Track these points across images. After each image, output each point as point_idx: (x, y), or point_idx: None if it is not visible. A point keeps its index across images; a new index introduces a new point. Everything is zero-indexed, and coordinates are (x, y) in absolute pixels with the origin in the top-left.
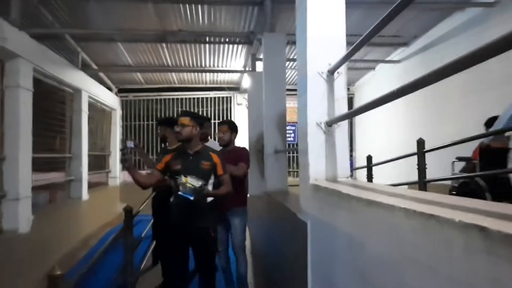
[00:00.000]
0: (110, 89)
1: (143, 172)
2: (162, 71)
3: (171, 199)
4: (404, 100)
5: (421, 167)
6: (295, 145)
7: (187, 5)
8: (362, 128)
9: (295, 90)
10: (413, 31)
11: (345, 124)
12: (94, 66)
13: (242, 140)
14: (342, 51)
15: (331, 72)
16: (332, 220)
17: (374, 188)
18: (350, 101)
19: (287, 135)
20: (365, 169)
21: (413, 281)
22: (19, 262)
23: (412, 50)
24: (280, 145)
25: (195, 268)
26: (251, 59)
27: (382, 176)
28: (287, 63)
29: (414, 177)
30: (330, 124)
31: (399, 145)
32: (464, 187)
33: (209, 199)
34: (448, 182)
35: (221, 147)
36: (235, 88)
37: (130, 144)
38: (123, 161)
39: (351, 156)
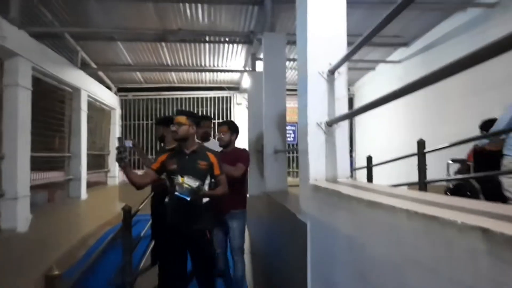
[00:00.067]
0: (109, 88)
1: (139, 172)
2: (161, 70)
3: (166, 199)
4: (404, 101)
5: (422, 168)
6: (295, 145)
7: (187, 4)
8: (362, 129)
9: (295, 90)
10: (413, 32)
11: (345, 124)
12: (94, 65)
13: (241, 140)
14: (343, 50)
15: (332, 71)
16: (332, 220)
17: (375, 189)
18: (350, 101)
19: (287, 135)
20: (365, 169)
21: (414, 283)
22: (17, 262)
23: (412, 50)
24: (279, 145)
25: (193, 272)
26: (251, 59)
27: (382, 176)
28: (287, 63)
29: (414, 177)
30: (330, 124)
31: (399, 145)
32: (458, 189)
33: (205, 199)
34: (444, 183)
35: (221, 148)
36: (235, 88)
37: (129, 143)
38: (119, 160)
39: (351, 156)
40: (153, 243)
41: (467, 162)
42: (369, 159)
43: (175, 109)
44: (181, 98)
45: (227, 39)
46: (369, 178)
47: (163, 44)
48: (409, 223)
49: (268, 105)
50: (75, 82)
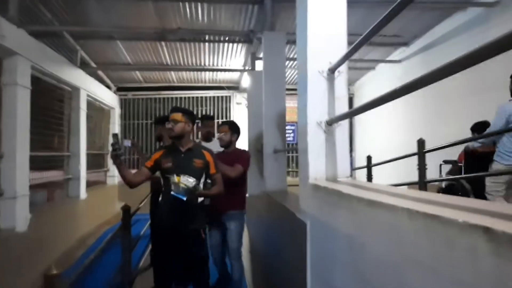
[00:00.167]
0: (109, 87)
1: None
2: (161, 69)
3: (160, 199)
4: (404, 101)
5: (422, 167)
6: (294, 144)
7: (187, 3)
8: (362, 128)
9: (295, 89)
10: (413, 31)
11: (345, 123)
12: (93, 64)
13: (241, 140)
14: (343, 50)
15: (332, 71)
16: (332, 220)
17: (375, 188)
18: (350, 101)
19: (287, 135)
20: (365, 169)
21: (415, 283)
22: (16, 261)
23: (412, 50)
24: (279, 145)
25: (187, 273)
26: (250, 58)
27: (382, 176)
28: (287, 62)
29: (413, 177)
30: (330, 123)
31: (399, 145)
32: (450, 189)
33: (200, 198)
34: (436, 183)
35: (222, 148)
36: (235, 87)
37: (128, 143)
38: (114, 156)
39: (350, 156)
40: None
41: (458, 163)
42: (369, 158)
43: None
44: (181, 98)
45: (226, 38)
46: (369, 177)
47: (163, 43)
48: (410, 222)
49: (268, 105)
50: (75, 81)
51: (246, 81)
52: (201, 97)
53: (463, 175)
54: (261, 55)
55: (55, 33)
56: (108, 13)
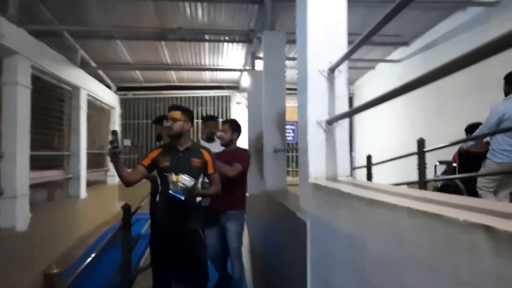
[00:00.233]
0: (109, 87)
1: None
2: (161, 69)
3: (157, 199)
4: (403, 101)
5: (421, 167)
6: (294, 144)
7: (187, 3)
8: (362, 128)
9: (295, 89)
10: (413, 31)
11: (345, 122)
12: (93, 64)
13: (241, 139)
14: (343, 49)
15: (332, 70)
16: (332, 219)
17: (375, 187)
18: (350, 100)
19: (287, 134)
20: (365, 168)
21: (415, 282)
22: (16, 260)
23: (412, 49)
24: (279, 144)
25: (186, 274)
26: (250, 58)
27: (382, 175)
28: (287, 61)
29: (412, 177)
30: (330, 122)
31: (398, 145)
32: (444, 189)
33: (198, 198)
34: (432, 183)
35: (223, 147)
36: (235, 87)
37: (128, 143)
38: (112, 154)
39: (350, 155)
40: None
41: (453, 163)
42: (369, 158)
43: None
44: (181, 97)
45: (226, 38)
46: (369, 177)
47: (163, 42)
48: (410, 221)
49: (268, 104)
50: (75, 80)
51: (246, 80)
52: (201, 97)
53: (463, 175)
54: (261, 55)
55: (55, 32)
56: (108, 13)
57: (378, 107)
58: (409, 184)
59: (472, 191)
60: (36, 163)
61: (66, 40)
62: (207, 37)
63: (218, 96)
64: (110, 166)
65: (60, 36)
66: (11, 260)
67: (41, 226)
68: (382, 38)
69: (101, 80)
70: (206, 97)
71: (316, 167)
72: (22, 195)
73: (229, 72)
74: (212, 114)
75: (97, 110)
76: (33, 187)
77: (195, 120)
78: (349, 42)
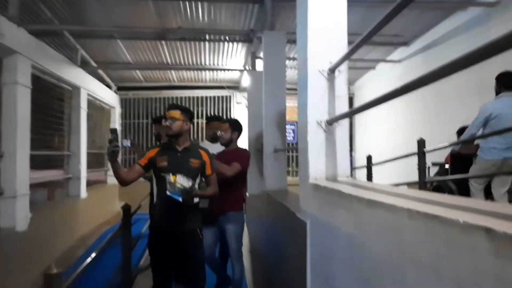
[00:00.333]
0: (109, 86)
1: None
2: (161, 69)
3: (155, 200)
4: (403, 101)
5: (422, 167)
6: (294, 144)
7: (187, 2)
8: (362, 128)
9: (295, 89)
10: (413, 31)
11: (345, 123)
12: (93, 64)
13: (241, 139)
14: (344, 49)
15: (332, 70)
16: (332, 220)
17: (375, 188)
18: (350, 100)
19: (287, 134)
20: (365, 168)
21: (416, 283)
22: (16, 260)
23: (412, 49)
24: (279, 144)
25: (184, 275)
26: (251, 58)
27: (382, 175)
28: (287, 61)
29: (413, 177)
30: (330, 122)
31: (398, 145)
32: (437, 190)
33: (196, 199)
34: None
35: (223, 147)
36: (235, 86)
37: (127, 143)
38: (112, 153)
39: (350, 155)
40: None
41: (445, 165)
42: (369, 158)
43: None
44: (181, 97)
45: (227, 38)
46: (369, 177)
47: (163, 42)
48: (410, 223)
49: (268, 104)
50: (75, 80)
51: (246, 80)
52: (202, 97)
53: (457, 176)
54: (261, 55)
55: (55, 32)
56: (108, 12)
57: (378, 107)
58: (409, 184)
59: (463, 192)
60: (36, 163)
61: (66, 39)
62: (207, 37)
63: (218, 96)
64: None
65: (60, 35)
66: (11, 260)
67: (41, 226)
68: (382, 38)
69: (101, 80)
70: (206, 97)
71: (316, 167)
72: (22, 195)
73: (229, 72)
74: (215, 114)
75: (97, 110)
76: (33, 187)
77: (195, 120)
78: (349, 42)
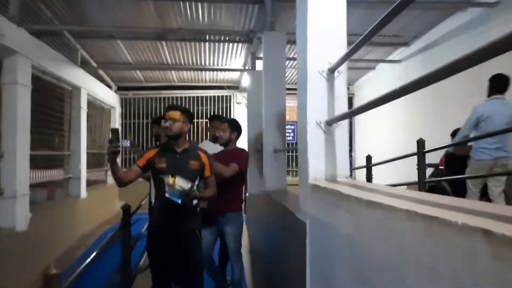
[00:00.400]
0: (109, 86)
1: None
2: (161, 69)
3: (153, 202)
4: (403, 102)
5: (421, 168)
6: (294, 144)
7: (187, 3)
8: (362, 129)
9: (295, 89)
10: (413, 31)
11: (345, 123)
12: (94, 64)
13: (241, 139)
14: (343, 49)
15: (332, 70)
16: (331, 220)
17: (375, 189)
18: (350, 101)
19: (286, 134)
20: (364, 169)
21: (415, 284)
22: (16, 261)
23: (412, 50)
24: (279, 144)
25: (183, 275)
26: (251, 58)
27: (381, 176)
28: (287, 62)
29: (412, 177)
30: (330, 123)
31: (398, 146)
32: (432, 191)
33: (194, 201)
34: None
35: (222, 147)
36: (235, 87)
37: (126, 143)
38: (112, 153)
39: (350, 156)
40: None
41: (439, 166)
42: (369, 158)
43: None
44: (181, 97)
45: (227, 38)
46: (369, 177)
47: (163, 42)
48: (409, 224)
49: (268, 104)
50: (75, 80)
51: (246, 80)
52: (202, 97)
53: (454, 177)
54: (261, 55)
55: (56, 32)
56: (108, 13)
57: (378, 108)
58: (409, 185)
59: (458, 193)
60: (36, 163)
61: (66, 39)
62: (207, 37)
63: (218, 96)
64: None
65: (61, 35)
66: (11, 260)
67: (41, 226)
68: (382, 39)
69: (102, 80)
70: (206, 97)
71: (316, 167)
72: (22, 195)
73: (229, 72)
74: (217, 114)
75: (97, 110)
76: (33, 186)
77: (195, 120)
78: (349, 43)
